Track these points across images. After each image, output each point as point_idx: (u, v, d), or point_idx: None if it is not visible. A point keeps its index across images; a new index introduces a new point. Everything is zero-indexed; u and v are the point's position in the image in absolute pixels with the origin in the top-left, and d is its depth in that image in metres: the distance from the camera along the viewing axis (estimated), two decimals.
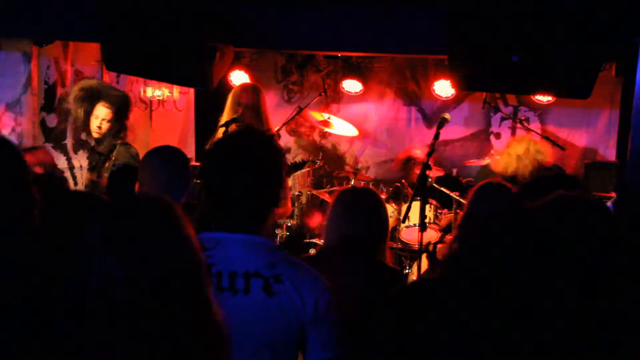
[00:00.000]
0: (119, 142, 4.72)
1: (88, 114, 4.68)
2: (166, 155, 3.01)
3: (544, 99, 5.78)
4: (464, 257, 1.04)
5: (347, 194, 2.76)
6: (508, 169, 4.70)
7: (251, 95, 4.42)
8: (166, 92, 6.61)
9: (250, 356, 1.77)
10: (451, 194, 5.17)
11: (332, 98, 6.67)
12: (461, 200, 5.04)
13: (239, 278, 1.79)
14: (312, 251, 5.05)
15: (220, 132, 4.27)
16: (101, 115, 4.66)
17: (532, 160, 4.66)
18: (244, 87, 4.55)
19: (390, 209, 5.35)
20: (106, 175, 4.74)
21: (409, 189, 5.50)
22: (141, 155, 4.54)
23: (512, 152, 4.75)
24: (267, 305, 1.77)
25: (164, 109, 6.90)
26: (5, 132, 6.42)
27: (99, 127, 4.66)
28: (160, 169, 2.91)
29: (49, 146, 6.51)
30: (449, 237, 4.77)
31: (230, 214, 1.87)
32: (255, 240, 1.84)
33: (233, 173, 1.87)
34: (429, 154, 4.07)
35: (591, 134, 6.13)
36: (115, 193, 4.14)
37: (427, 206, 5.04)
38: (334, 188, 5.88)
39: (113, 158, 4.67)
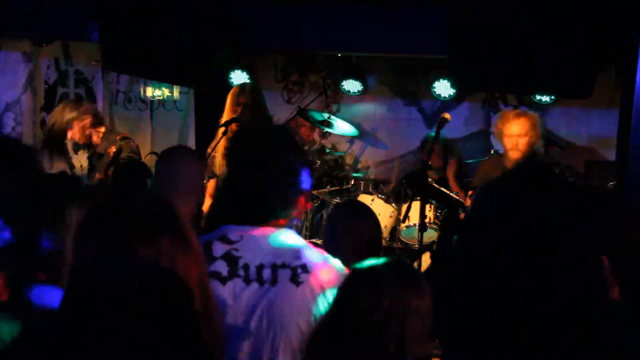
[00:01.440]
0: (118, 137, 4.70)
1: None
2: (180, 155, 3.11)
3: (544, 99, 5.77)
4: (464, 259, 1.05)
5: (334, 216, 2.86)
6: (505, 142, 4.48)
7: (251, 95, 4.41)
8: (166, 92, 6.61)
9: (273, 347, 1.76)
10: (451, 194, 5.16)
11: (332, 98, 6.67)
12: (461, 200, 5.05)
13: (266, 269, 1.82)
14: None
15: (220, 132, 4.26)
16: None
17: (529, 133, 4.42)
18: (243, 87, 4.54)
19: (390, 209, 5.35)
20: (110, 172, 4.73)
21: (408, 189, 5.49)
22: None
23: (510, 126, 4.51)
24: (294, 295, 1.78)
25: (164, 109, 6.90)
26: (5, 132, 6.42)
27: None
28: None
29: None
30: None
31: (254, 208, 1.90)
32: (280, 232, 1.88)
33: (257, 167, 1.91)
34: (429, 154, 4.07)
35: (591, 134, 6.12)
36: (122, 189, 4.14)
37: (427, 206, 5.03)
38: (334, 188, 5.88)
39: (114, 153, 4.65)
